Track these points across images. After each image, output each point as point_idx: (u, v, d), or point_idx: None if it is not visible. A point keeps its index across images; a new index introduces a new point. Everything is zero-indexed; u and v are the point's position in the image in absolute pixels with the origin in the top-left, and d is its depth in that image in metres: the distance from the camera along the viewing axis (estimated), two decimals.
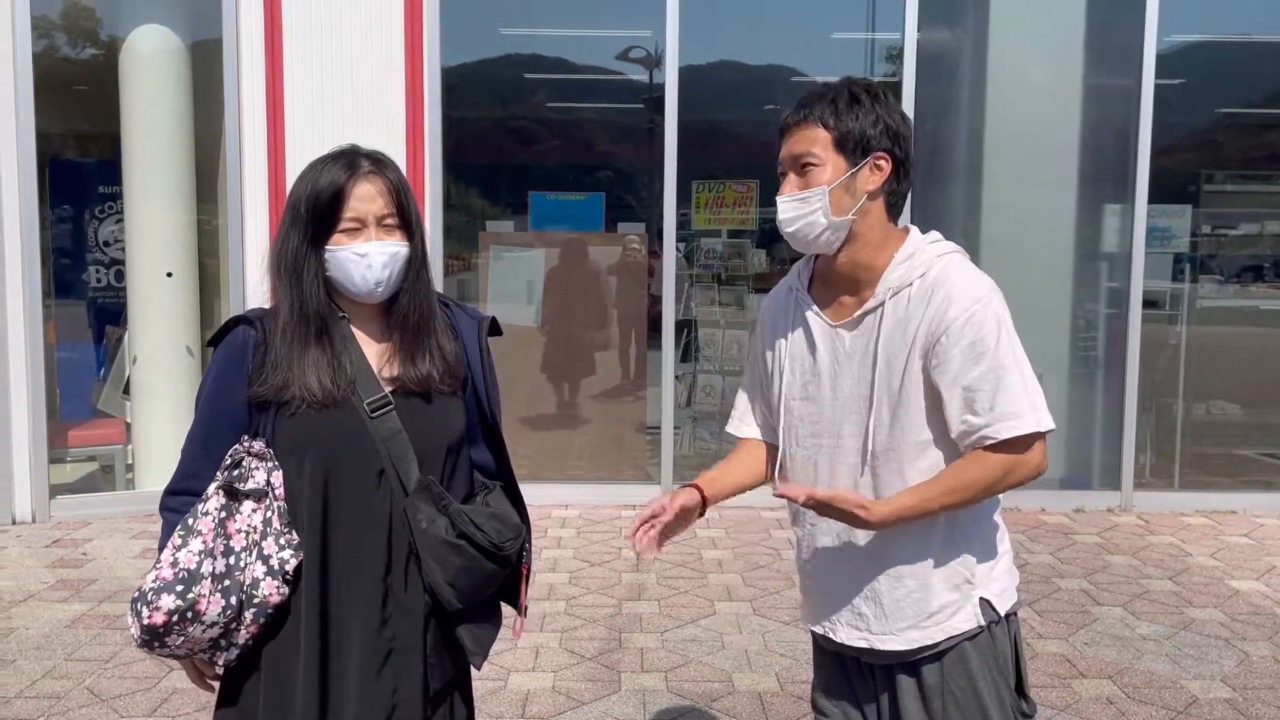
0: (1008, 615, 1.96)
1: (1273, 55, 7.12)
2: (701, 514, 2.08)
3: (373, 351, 1.91)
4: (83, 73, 7.00)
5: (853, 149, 1.88)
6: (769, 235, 7.55)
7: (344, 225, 1.83)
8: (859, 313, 1.93)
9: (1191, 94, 7.03)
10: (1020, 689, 1.98)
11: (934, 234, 1.98)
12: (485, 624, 1.96)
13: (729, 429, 2.24)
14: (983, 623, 1.93)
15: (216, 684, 1.95)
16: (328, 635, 1.84)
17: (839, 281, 1.97)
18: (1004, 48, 6.68)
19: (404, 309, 1.90)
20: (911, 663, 1.94)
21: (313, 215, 1.83)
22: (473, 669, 2.01)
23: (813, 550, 2.04)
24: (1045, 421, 1.84)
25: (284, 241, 1.86)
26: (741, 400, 2.22)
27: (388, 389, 1.88)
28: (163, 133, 6.21)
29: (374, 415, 1.84)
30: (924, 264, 1.90)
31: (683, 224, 6.87)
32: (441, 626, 1.91)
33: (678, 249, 6.68)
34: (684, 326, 7.08)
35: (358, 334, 1.91)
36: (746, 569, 5.28)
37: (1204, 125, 7.35)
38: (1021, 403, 1.82)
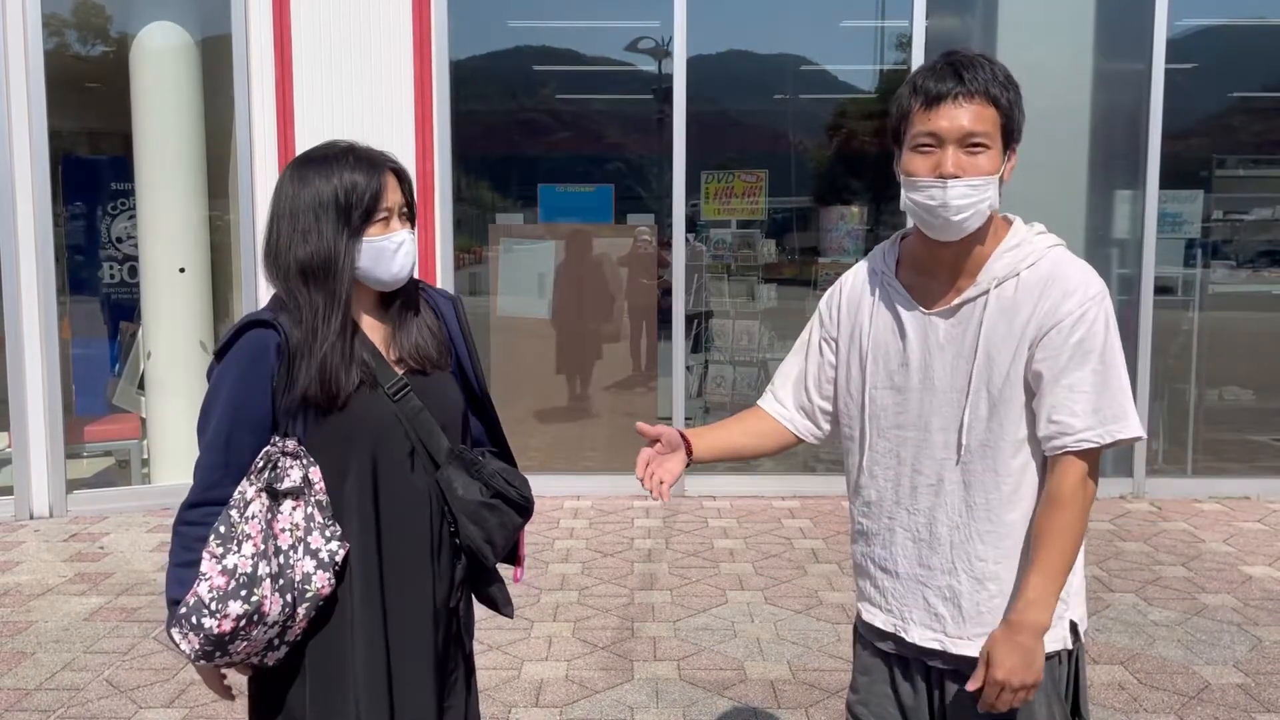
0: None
1: None
2: (688, 464, 1.97)
3: (376, 337, 1.95)
4: (94, 70, 7.02)
5: (1007, 135, 1.77)
6: (779, 225, 7.54)
7: (379, 216, 1.88)
8: (958, 301, 1.83)
9: (1203, 78, 6.98)
10: (1076, 710, 1.89)
11: (1038, 224, 1.88)
12: (498, 581, 2.10)
13: (762, 404, 2.11)
14: (1070, 647, 1.85)
15: (235, 693, 1.99)
16: (386, 617, 1.89)
17: (938, 268, 1.86)
18: (1013, 33, 6.65)
19: (402, 293, 1.97)
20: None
21: (350, 211, 1.85)
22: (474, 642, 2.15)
23: (888, 545, 1.92)
24: (1140, 427, 1.78)
25: (315, 239, 1.85)
26: (779, 378, 2.10)
27: (398, 371, 1.94)
28: (174, 129, 6.25)
29: (396, 399, 1.90)
30: (1032, 255, 1.80)
31: (692, 215, 6.87)
32: (467, 592, 2.06)
33: (688, 239, 6.68)
34: (694, 317, 7.08)
35: (359, 320, 1.95)
36: (758, 558, 5.30)
37: (1216, 110, 7.30)
38: (1126, 406, 1.76)
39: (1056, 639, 1.83)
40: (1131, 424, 1.76)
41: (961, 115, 1.73)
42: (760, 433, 2.08)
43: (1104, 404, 1.74)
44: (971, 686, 1.78)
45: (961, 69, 1.75)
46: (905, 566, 1.90)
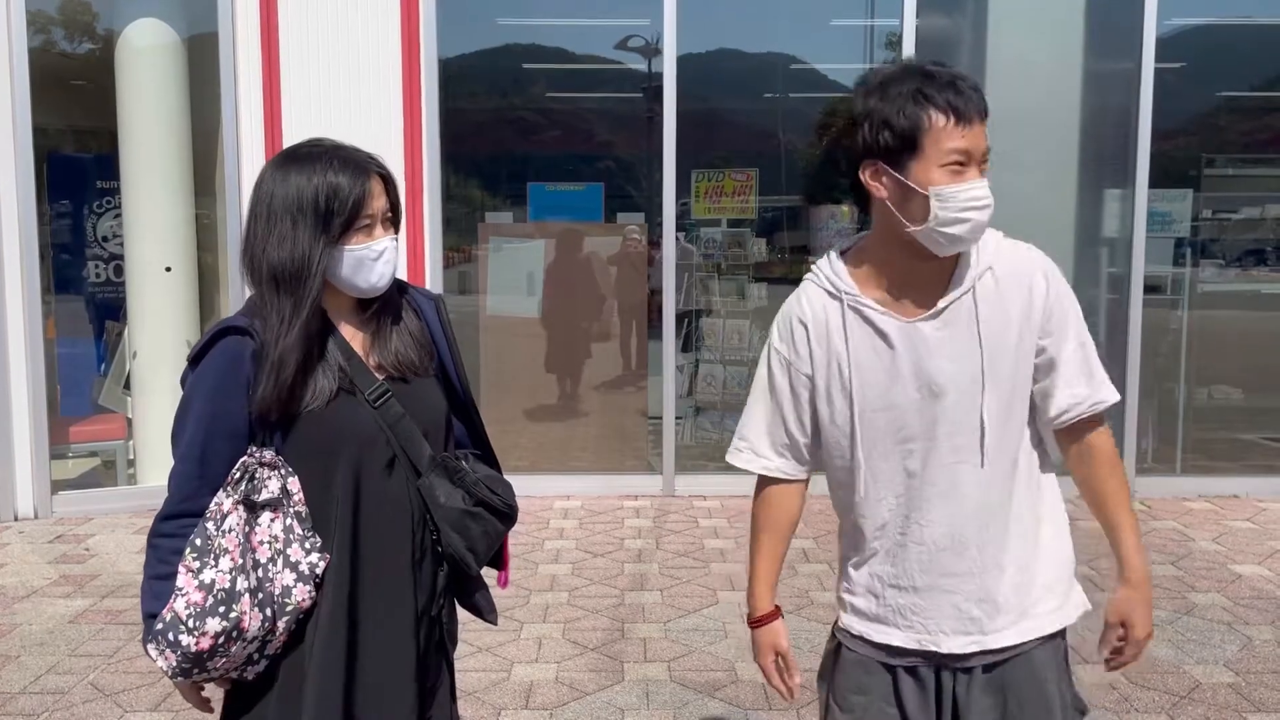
0: None
1: (1273, 38, 7.09)
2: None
3: (356, 342, 1.91)
4: (79, 68, 6.98)
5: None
6: (769, 224, 7.54)
7: (361, 224, 1.83)
8: (942, 304, 1.82)
9: (1192, 78, 7.01)
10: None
11: None
12: (483, 588, 2.07)
13: (739, 463, 2.03)
14: (1080, 615, 1.97)
15: (214, 704, 1.95)
16: (355, 628, 1.84)
17: (916, 280, 1.84)
18: (1003, 32, 6.65)
19: (382, 297, 1.92)
20: (988, 664, 1.87)
21: (330, 217, 1.80)
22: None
23: (902, 562, 1.89)
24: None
25: (290, 245, 1.79)
26: (750, 433, 2.01)
27: (379, 377, 1.90)
28: (160, 127, 6.20)
29: (376, 405, 1.86)
30: (996, 249, 1.87)
31: (682, 213, 6.86)
32: (450, 599, 2.02)
33: (678, 238, 6.67)
34: (685, 316, 7.07)
35: (337, 326, 1.91)
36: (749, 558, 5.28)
37: (1205, 109, 7.33)
38: (1100, 367, 1.90)
39: (1078, 603, 1.96)
40: (1109, 385, 1.91)
41: (983, 134, 1.82)
42: (790, 521, 2.05)
43: (1094, 368, 1.89)
44: (1106, 652, 1.95)
45: (974, 88, 1.81)
46: (925, 579, 1.87)
